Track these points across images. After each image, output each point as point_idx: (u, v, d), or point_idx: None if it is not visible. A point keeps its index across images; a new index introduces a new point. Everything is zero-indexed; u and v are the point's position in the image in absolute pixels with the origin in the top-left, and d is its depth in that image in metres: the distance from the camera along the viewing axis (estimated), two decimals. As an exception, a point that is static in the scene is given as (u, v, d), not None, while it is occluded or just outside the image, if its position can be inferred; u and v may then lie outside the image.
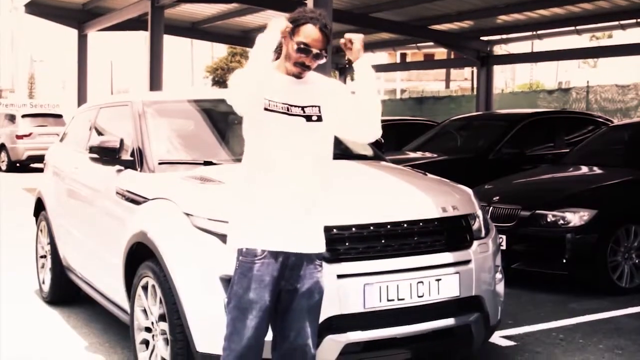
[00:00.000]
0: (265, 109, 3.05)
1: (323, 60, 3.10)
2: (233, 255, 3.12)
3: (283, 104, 3.08)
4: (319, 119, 3.13)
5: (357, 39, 3.11)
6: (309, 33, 3.03)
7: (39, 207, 6.54)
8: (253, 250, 3.05)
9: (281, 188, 3.05)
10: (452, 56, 31.76)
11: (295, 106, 3.10)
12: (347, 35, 3.11)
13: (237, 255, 3.10)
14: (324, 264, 3.60)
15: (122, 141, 4.70)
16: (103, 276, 5.03)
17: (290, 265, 3.08)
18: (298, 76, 3.11)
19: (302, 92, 3.12)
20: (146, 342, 4.14)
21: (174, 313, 3.76)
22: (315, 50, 3.04)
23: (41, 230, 6.50)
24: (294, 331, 3.10)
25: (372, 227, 3.82)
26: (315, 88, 3.18)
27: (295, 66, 3.08)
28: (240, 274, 3.06)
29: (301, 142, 3.09)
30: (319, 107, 3.14)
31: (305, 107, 3.12)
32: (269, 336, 3.16)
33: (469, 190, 4.63)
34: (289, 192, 3.05)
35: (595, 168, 7.95)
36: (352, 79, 40.08)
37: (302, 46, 3.03)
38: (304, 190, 3.09)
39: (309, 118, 3.11)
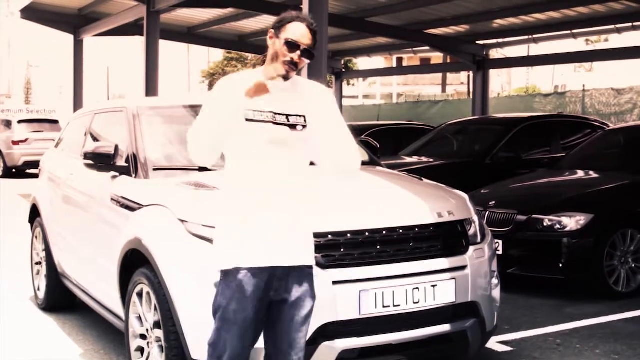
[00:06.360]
0: (247, 120, 2.93)
1: (310, 60, 2.99)
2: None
3: (269, 112, 2.95)
4: (304, 128, 3.01)
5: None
6: (296, 29, 2.95)
7: (34, 213, 6.52)
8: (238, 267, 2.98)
9: (265, 201, 2.95)
10: (449, 60, 31.79)
11: (280, 114, 2.98)
12: None
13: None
14: (319, 270, 3.59)
15: (117, 147, 4.68)
16: (98, 283, 5.01)
17: (279, 276, 2.99)
18: (286, 77, 2.96)
19: (288, 99, 3.00)
20: (141, 349, 4.13)
21: (168, 320, 3.75)
22: (303, 46, 2.94)
23: (36, 237, 6.48)
24: (285, 343, 3.01)
25: (367, 233, 3.81)
26: (303, 96, 3.06)
27: (284, 64, 2.94)
28: (224, 285, 2.99)
29: (285, 153, 2.98)
30: (304, 116, 3.01)
31: (290, 115, 2.99)
32: (261, 343, 3.10)
33: (465, 195, 4.62)
34: (274, 204, 2.96)
35: (591, 172, 7.95)
36: (348, 84, 39.97)
37: (290, 40, 2.94)
38: (288, 202, 2.99)
39: (293, 127, 2.98)
